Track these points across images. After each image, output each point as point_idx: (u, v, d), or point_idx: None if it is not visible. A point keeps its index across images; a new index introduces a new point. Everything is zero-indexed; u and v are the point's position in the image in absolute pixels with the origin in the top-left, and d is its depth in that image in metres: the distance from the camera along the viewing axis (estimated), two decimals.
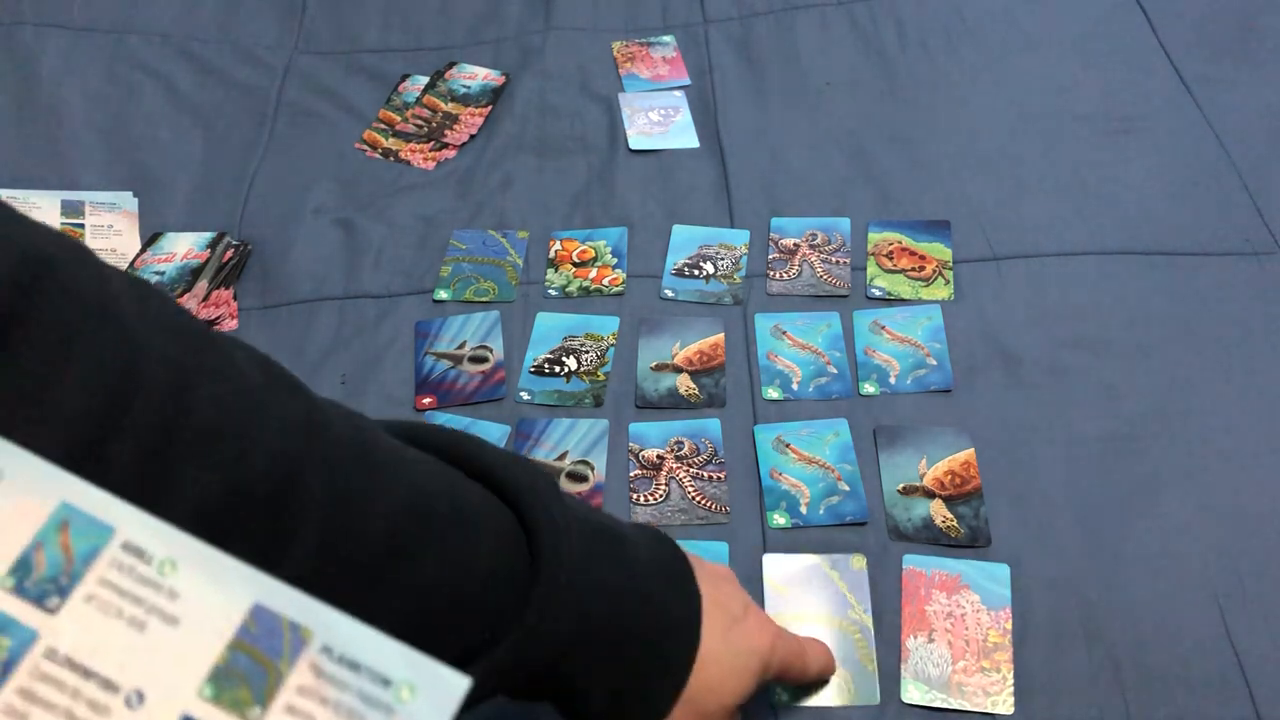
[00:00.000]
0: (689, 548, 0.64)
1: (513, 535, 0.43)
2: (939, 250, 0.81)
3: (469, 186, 0.90)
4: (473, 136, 0.94)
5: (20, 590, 0.25)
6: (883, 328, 0.76)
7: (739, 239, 0.84)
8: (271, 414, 0.37)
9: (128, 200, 0.89)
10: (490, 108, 0.97)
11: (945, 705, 0.58)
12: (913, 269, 0.80)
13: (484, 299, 0.81)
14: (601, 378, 0.75)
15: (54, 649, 0.25)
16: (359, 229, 0.86)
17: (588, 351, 0.77)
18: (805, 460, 0.69)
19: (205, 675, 0.25)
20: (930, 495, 0.67)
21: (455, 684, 0.25)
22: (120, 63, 1.01)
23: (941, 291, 0.79)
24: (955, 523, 0.66)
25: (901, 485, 0.68)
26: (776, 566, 0.64)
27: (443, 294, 0.81)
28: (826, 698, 0.59)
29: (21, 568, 0.25)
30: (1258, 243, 0.80)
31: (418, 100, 0.98)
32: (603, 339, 0.77)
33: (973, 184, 0.86)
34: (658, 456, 0.70)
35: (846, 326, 0.77)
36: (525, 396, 0.74)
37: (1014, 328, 0.76)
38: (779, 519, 0.66)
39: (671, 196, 0.88)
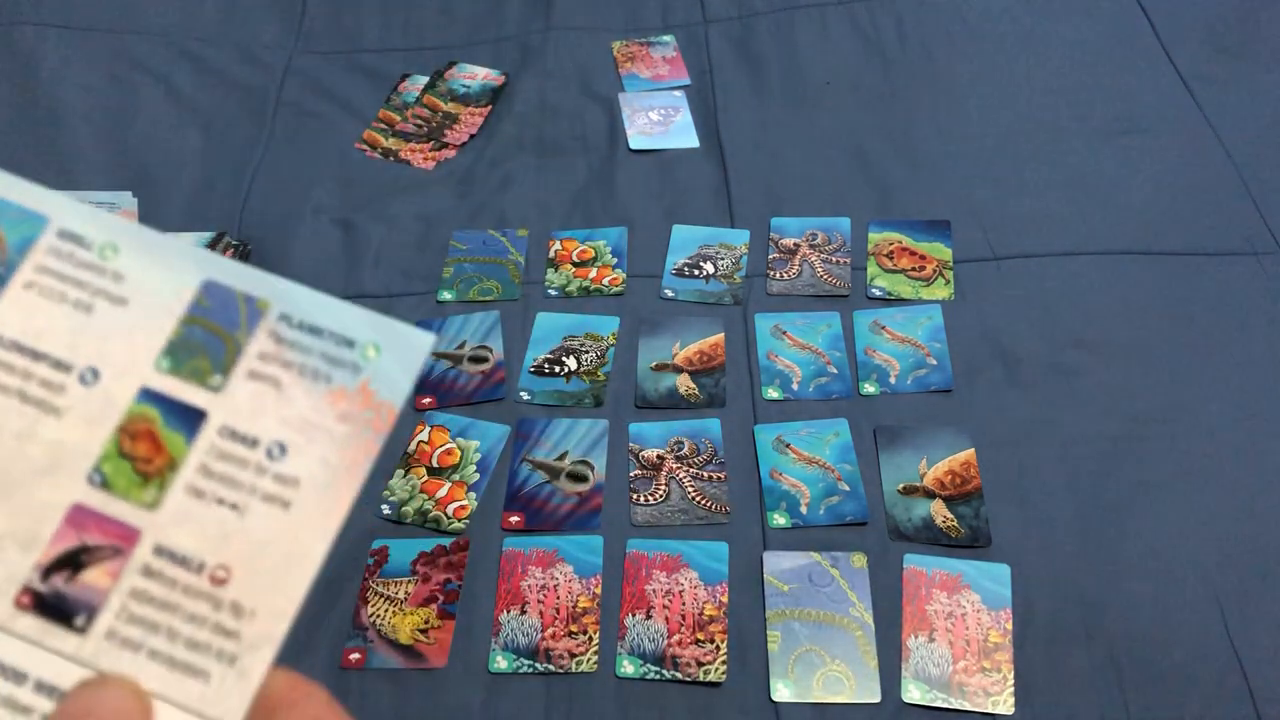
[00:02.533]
0: (689, 547, 0.65)
1: None
2: (939, 250, 0.81)
3: (469, 186, 0.90)
4: (473, 136, 0.94)
5: None
6: (883, 328, 0.76)
7: (739, 239, 0.84)
8: None
9: (127, 200, 0.89)
10: (490, 107, 0.97)
11: (946, 705, 0.58)
12: (913, 269, 0.80)
13: (488, 298, 0.81)
14: (601, 378, 0.75)
15: None
16: (358, 228, 0.86)
17: (588, 351, 0.77)
18: (805, 460, 0.69)
19: (160, 349, 0.25)
20: (930, 495, 0.67)
21: (420, 340, 0.25)
22: (120, 63, 1.01)
23: (941, 291, 0.79)
24: (955, 523, 0.65)
25: (902, 485, 0.68)
26: (777, 563, 0.64)
27: (446, 295, 0.81)
28: (828, 695, 0.59)
29: None
30: (1258, 243, 0.80)
31: (418, 100, 0.98)
32: (603, 339, 0.77)
33: (973, 184, 0.86)
34: (658, 456, 0.70)
35: (846, 326, 0.77)
36: (525, 396, 0.74)
37: (1014, 327, 0.76)
38: (779, 519, 0.66)
39: (671, 196, 0.87)
